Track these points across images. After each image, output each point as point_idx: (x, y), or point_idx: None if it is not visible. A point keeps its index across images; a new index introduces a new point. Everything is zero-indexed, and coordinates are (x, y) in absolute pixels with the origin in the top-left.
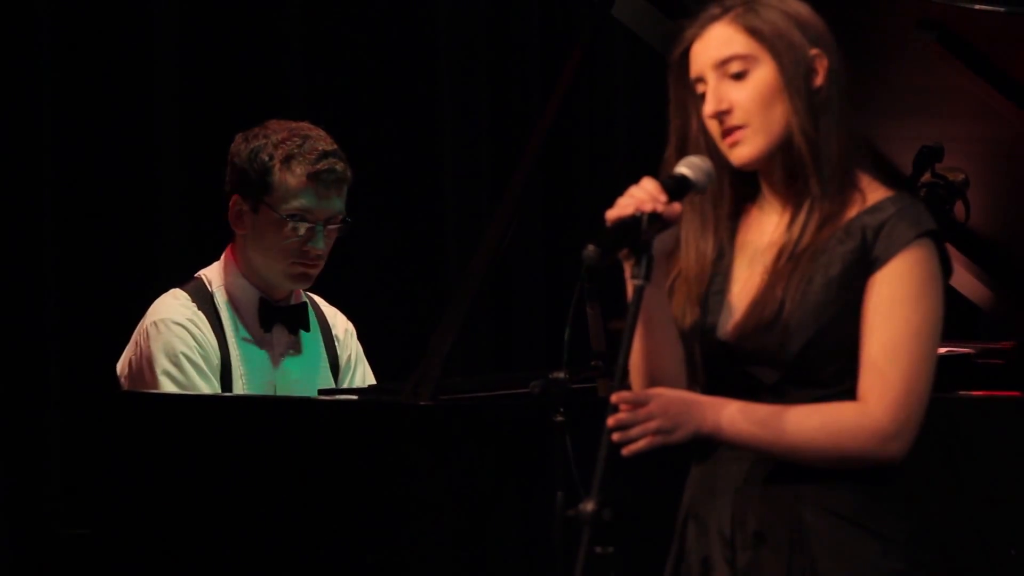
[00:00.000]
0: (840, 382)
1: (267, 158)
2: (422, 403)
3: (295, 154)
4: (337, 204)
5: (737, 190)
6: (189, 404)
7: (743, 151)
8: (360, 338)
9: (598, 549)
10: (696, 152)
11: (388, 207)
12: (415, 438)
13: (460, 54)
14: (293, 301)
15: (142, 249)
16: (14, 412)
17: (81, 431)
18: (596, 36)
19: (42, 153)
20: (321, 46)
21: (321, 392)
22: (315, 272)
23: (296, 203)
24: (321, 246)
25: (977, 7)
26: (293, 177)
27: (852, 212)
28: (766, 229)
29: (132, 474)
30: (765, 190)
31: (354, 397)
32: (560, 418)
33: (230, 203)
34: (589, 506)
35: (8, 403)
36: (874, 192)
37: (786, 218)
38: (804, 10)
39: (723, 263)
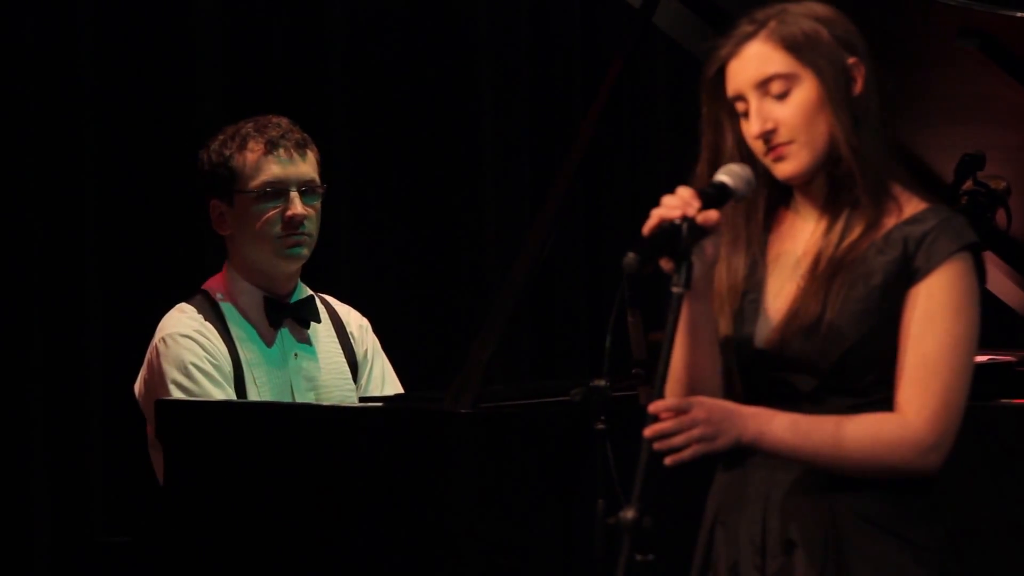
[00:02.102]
0: (877, 391)
1: (226, 150)
2: (463, 411)
3: (249, 134)
4: (305, 169)
5: (770, 201)
6: (228, 412)
7: (788, 166)
8: (399, 344)
9: (639, 557)
10: None
11: (430, 215)
12: (456, 446)
13: (502, 62)
14: (299, 296)
15: (185, 257)
16: (56, 419)
17: (124, 437)
18: (637, 44)
19: (84, 159)
20: (363, 53)
21: (362, 399)
22: (305, 241)
23: (262, 175)
24: (300, 210)
25: (1019, 15)
26: (252, 153)
27: (890, 222)
28: (801, 237)
29: (173, 482)
30: (801, 199)
31: (396, 405)
32: (601, 426)
33: (209, 212)
34: (630, 514)
35: (50, 410)
36: (909, 202)
37: (823, 225)
38: (837, 17)
39: (756, 275)
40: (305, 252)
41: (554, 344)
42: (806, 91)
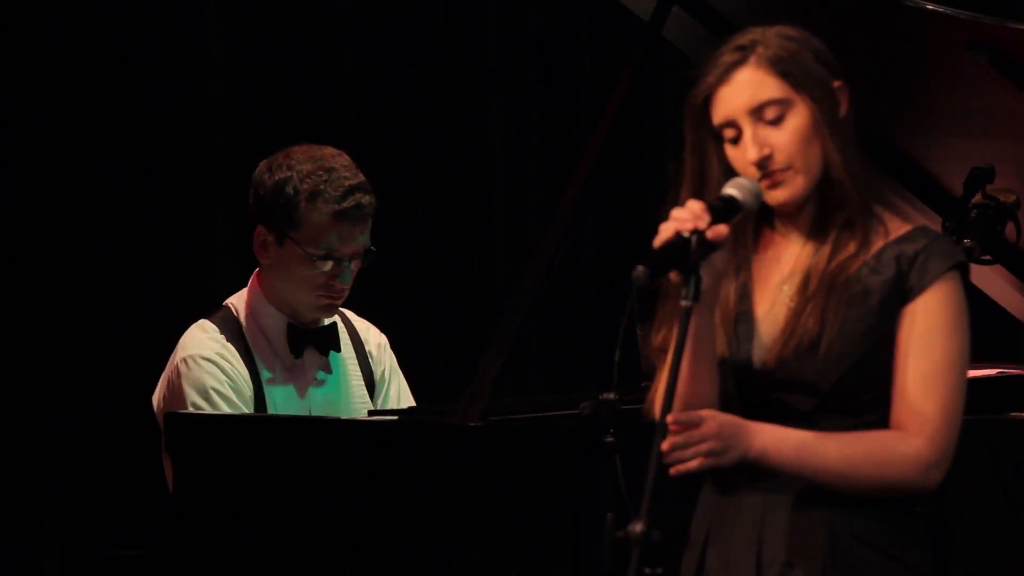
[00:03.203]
0: (873, 411)
1: (293, 192)
2: (472, 424)
3: (321, 190)
4: (362, 239)
5: (759, 225)
6: (238, 425)
7: (784, 193)
8: (408, 357)
9: (647, 570)
10: (715, 193)
11: (439, 228)
12: (465, 459)
13: (512, 75)
14: (322, 323)
15: (197, 267)
16: (66, 431)
17: (134, 450)
18: (647, 57)
19: (94, 166)
20: (373, 66)
21: (372, 413)
22: (340, 302)
23: (323, 242)
24: (348, 280)
25: None
26: (320, 215)
27: (879, 241)
28: (787, 258)
29: (183, 496)
30: (787, 221)
31: (405, 418)
32: (610, 439)
33: (255, 233)
34: (638, 527)
35: (59, 422)
36: (893, 223)
37: (810, 246)
38: (814, 39)
39: (746, 299)
40: (338, 305)
41: (563, 357)
42: (800, 116)
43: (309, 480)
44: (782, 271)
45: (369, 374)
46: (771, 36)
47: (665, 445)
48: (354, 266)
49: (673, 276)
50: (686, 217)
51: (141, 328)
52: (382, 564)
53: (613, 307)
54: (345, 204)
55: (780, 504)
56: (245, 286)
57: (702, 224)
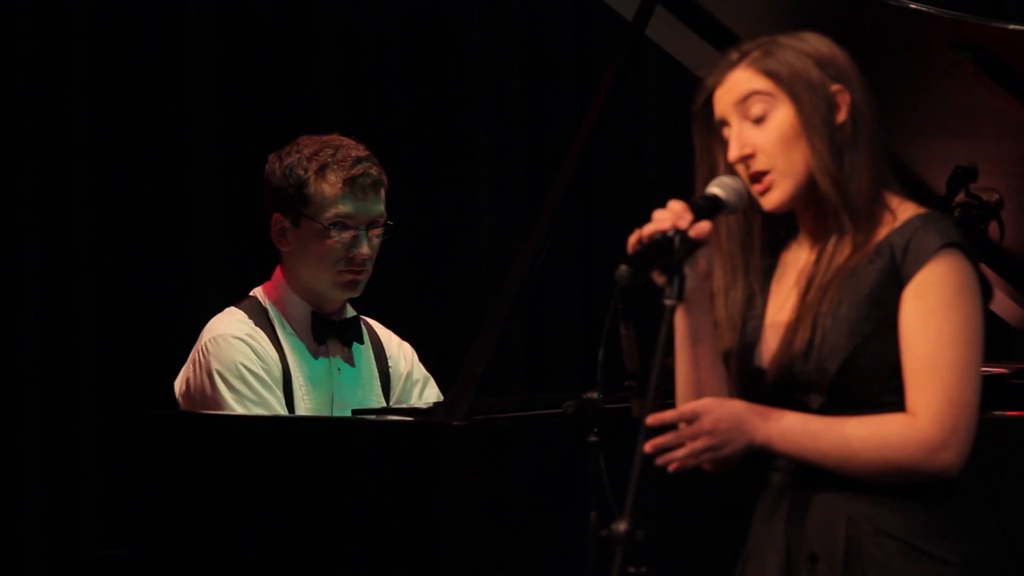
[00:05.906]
0: (885, 401)
1: (302, 172)
2: (456, 423)
3: (329, 163)
4: (377, 207)
5: (771, 230)
6: (224, 424)
7: (772, 197)
8: None
9: (631, 569)
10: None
11: (422, 226)
12: (449, 458)
13: (495, 74)
14: (345, 315)
15: (179, 268)
16: (48, 430)
17: (117, 450)
18: (631, 56)
19: (77, 168)
20: (357, 66)
21: (356, 412)
22: (363, 278)
23: (335, 210)
24: (366, 250)
25: (1012, 27)
26: (329, 185)
27: (882, 233)
28: (802, 264)
29: (166, 493)
30: (800, 224)
31: (388, 417)
32: (594, 438)
33: (271, 222)
34: (622, 526)
35: (42, 421)
36: (904, 211)
37: (816, 251)
38: (824, 46)
39: (756, 304)
40: (362, 287)
41: (547, 356)
42: (783, 116)
43: (293, 480)
44: (799, 276)
45: (385, 374)
46: (779, 41)
47: (648, 447)
48: (373, 237)
49: (656, 276)
50: (666, 217)
51: (124, 328)
52: (366, 563)
53: (597, 306)
54: (354, 171)
55: (807, 499)
56: (228, 288)
57: (683, 223)
